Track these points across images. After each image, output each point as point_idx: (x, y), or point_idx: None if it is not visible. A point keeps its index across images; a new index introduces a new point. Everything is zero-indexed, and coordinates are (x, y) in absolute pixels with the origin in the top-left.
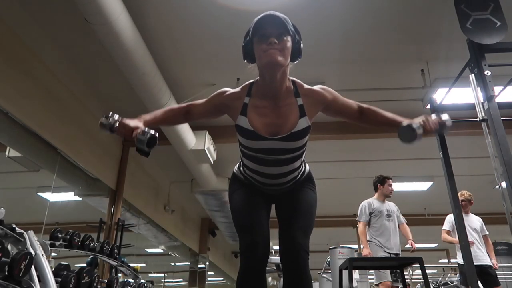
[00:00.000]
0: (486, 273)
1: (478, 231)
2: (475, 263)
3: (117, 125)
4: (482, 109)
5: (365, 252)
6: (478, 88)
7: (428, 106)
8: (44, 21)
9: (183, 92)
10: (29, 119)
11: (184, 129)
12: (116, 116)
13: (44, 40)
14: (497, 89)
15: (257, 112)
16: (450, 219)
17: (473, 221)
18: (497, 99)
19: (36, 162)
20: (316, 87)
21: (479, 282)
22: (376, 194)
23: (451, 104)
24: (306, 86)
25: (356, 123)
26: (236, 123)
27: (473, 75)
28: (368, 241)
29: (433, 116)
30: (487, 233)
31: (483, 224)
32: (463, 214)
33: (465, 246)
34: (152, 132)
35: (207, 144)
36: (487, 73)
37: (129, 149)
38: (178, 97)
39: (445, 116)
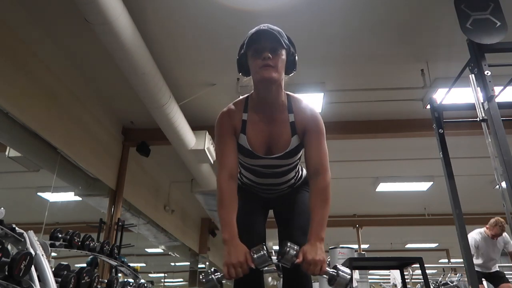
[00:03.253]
0: (495, 275)
1: (499, 250)
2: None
3: (219, 275)
4: (482, 109)
5: None
6: (478, 88)
7: (428, 106)
8: (44, 21)
9: (183, 92)
10: (29, 119)
11: (184, 129)
12: (213, 269)
13: (44, 40)
14: (497, 89)
15: (254, 130)
16: (471, 242)
17: (498, 243)
18: (497, 99)
19: (36, 162)
20: (310, 109)
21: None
22: None
23: (451, 104)
24: (302, 103)
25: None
26: (237, 141)
27: (473, 75)
28: None
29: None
30: None
31: (508, 242)
32: (492, 239)
33: (465, 245)
34: (263, 250)
35: (207, 144)
36: (487, 73)
37: (129, 149)
38: (178, 97)
39: (341, 275)
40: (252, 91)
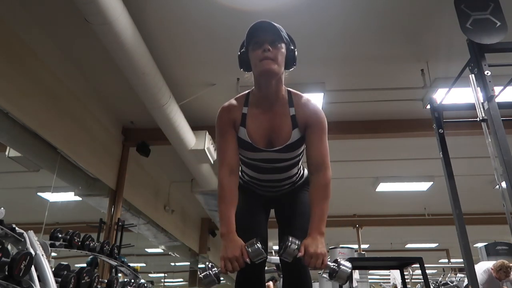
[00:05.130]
0: None
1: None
2: None
3: (216, 270)
4: (482, 109)
5: None
6: (478, 88)
7: (428, 106)
8: (44, 21)
9: (183, 92)
10: (29, 119)
11: (184, 129)
12: (210, 264)
13: (44, 40)
14: (497, 89)
15: (254, 123)
16: (478, 277)
17: (505, 283)
18: (497, 99)
19: (36, 162)
20: (312, 104)
21: None
22: None
23: (451, 104)
24: (303, 98)
25: None
26: (237, 135)
27: (473, 75)
28: None
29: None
30: None
31: None
32: (497, 280)
33: (465, 245)
34: (257, 244)
35: (207, 144)
36: (487, 73)
37: (129, 149)
38: (178, 97)
39: (342, 268)
40: (253, 87)
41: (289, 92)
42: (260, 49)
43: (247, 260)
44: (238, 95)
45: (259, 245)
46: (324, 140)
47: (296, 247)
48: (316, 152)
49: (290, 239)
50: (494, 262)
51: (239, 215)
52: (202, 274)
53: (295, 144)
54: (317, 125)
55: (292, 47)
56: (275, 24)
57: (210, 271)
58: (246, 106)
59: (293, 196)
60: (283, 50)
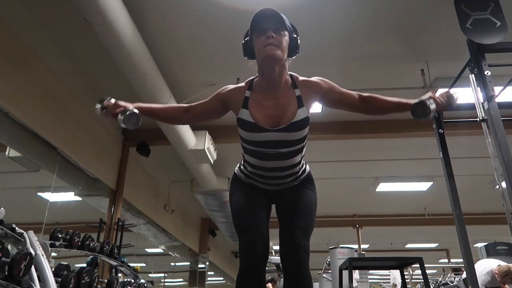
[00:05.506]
0: None
1: None
2: None
3: (106, 109)
4: (482, 109)
5: None
6: (478, 88)
7: None
8: (44, 21)
9: (183, 92)
10: (29, 119)
11: (184, 129)
12: (113, 100)
13: (44, 40)
14: (497, 89)
15: (257, 105)
16: (480, 279)
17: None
18: (497, 99)
19: (36, 162)
20: (313, 79)
21: None
22: None
23: None
24: (301, 77)
25: (362, 113)
26: (238, 117)
27: (473, 75)
28: None
29: (439, 92)
30: None
31: None
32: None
33: (465, 245)
34: (135, 110)
35: (207, 144)
36: (487, 73)
37: (129, 149)
38: (178, 97)
39: (452, 90)
40: (257, 74)
41: (291, 75)
42: (264, 36)
43: (117, 110)
44: (245, 80)
45: (130, 112)
46: (344, 89)
47: (430, 101)
48: (351, 95)
49: (425, 100)
50: (497, 261)
51: (239, 213)
52: (99, 105)
53: (300, 123)
54: (331, 87)
55: (295, 35)
56: (278, 12)
57: (103, 104)
58: (250, 90)
59: (297, 194)
60: (286, 38)
